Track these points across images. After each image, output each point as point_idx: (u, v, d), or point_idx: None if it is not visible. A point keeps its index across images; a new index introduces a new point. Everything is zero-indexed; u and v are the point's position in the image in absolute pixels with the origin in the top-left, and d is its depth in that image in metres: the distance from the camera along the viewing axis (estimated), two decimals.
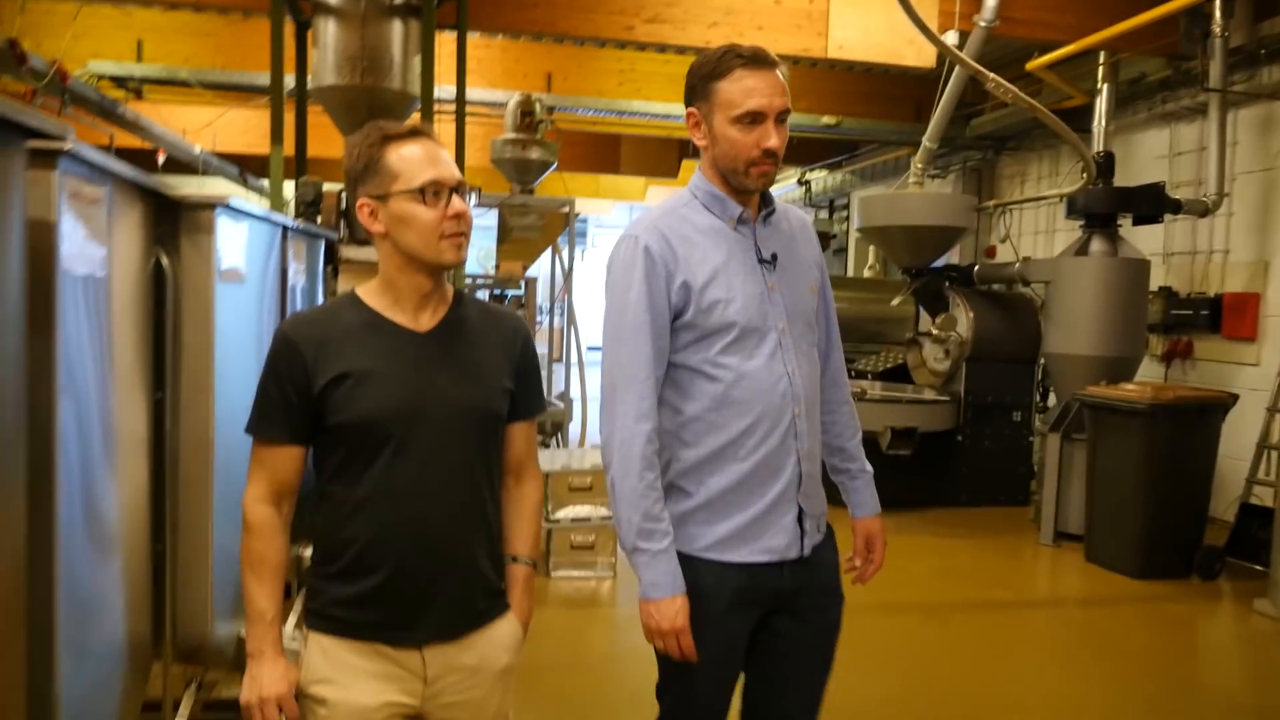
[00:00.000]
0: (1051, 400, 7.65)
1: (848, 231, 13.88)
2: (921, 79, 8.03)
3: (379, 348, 1.74)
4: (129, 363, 2.06)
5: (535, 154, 7.74)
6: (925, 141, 7.48)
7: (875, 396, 7.50)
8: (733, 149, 1.88)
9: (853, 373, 9.04)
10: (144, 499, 2.16)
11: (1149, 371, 7.30)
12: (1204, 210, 6.75)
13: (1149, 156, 7.93)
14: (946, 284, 7.78)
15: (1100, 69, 7.30)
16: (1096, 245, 6.51)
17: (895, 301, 8.26)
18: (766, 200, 2.02)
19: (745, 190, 1.96)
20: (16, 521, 1.55)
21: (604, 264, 2.06)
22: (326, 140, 5.85)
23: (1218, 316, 7.02)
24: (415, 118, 5.19)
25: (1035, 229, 9.41)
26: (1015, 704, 3.88)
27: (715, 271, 1.94)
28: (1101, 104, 7.26)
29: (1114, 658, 4.40)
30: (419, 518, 1.75)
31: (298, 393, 1.70)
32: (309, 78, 5.48)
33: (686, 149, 12.95)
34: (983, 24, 6.44)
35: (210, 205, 2.26)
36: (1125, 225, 6.84)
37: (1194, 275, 7.43)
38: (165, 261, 2.16)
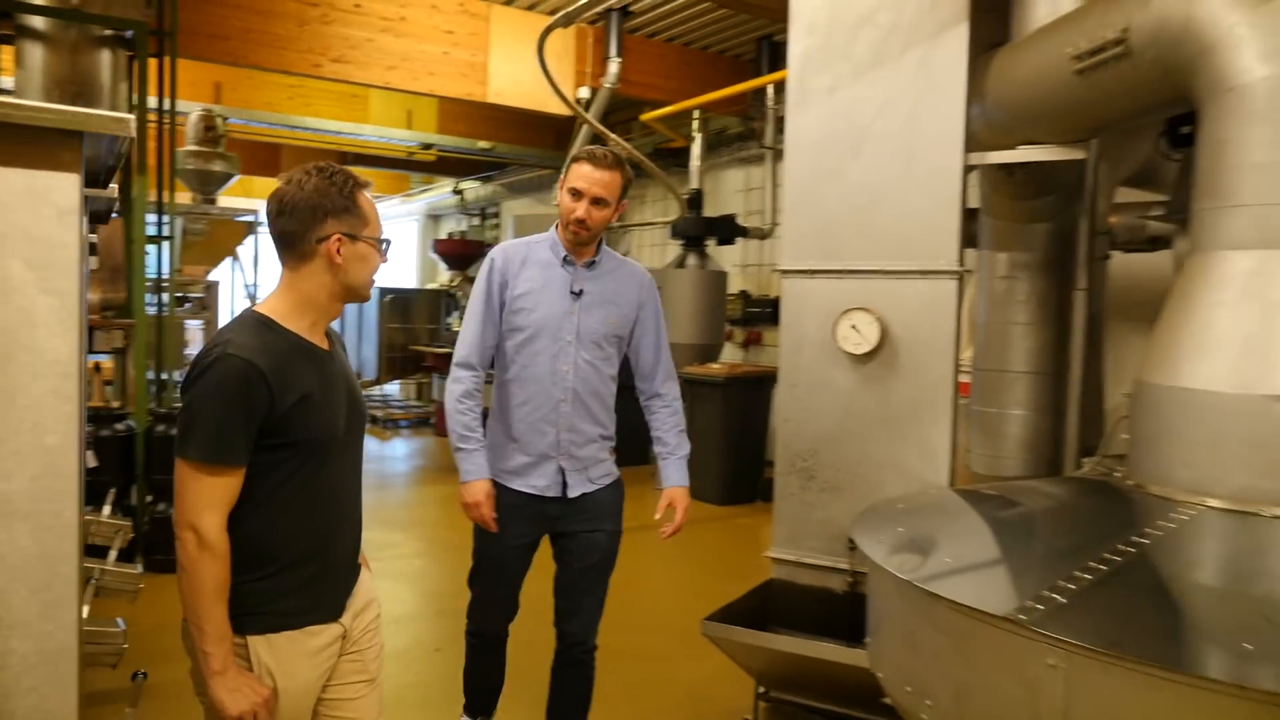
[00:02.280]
0: None
1: (499, 240, 15.39)
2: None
3: (311, 369, 1.91)
4: None
5: (218, 166, 8.29)
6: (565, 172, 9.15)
7: None
8: (562, 208, 2.80)
9: None
10: None
11: (733, 355, 9.57)
12: (764, 234, 9.08)
13: (731, 190, 10.27)
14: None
15: (695, 122, 9.40)
16: (691, 260, 8.59)
17: None
18: (597, 256, 2.87)
19: (577, 238, 2.78)
20: None
21: None
22: None
23: (777, 313, 9.41)
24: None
25: (653, 243, 11.54)
26: (642, 584, 5.57)
27: (531, 289, 2.81)
28: (696, 148, 9.36)
29: (704, 553, 6.29)
30: (347, 513, 2.02)
31: (257, 418, 1.80)
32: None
33: (346, 158, 13.70)
34: (607, 85, 8.20)
35: None
36: (713, 244, 8.99)
37: (762, 282, 9.83)
38: None
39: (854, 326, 3.38)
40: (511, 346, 2.87)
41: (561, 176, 2.85)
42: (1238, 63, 2.29)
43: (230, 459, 1.78)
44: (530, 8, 8.19)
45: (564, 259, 2.85)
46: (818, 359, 3.54)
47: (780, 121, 8.99)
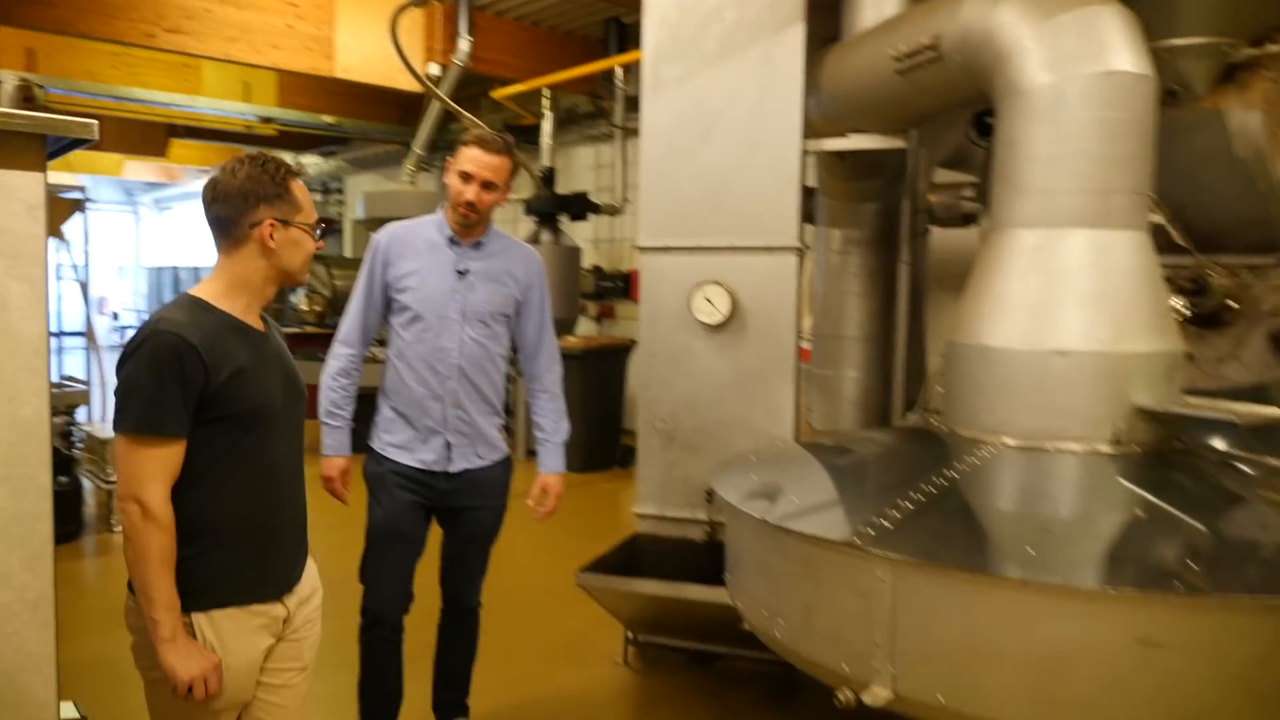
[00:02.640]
0: None
1: (342, 215, 15.04)
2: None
3: (245, 346, 1.96)
4: None
5: None
6: (415, 149, 9.13)
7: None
8: (452, 191, 2.84)
9: None
10: None
11: (588, 328, 9.84)
12: (616, 211, 9.35)
13: (583, 167, 10.49)
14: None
15: (545, 100, 9.54)
16: (545, 236, 8.76)
17: None
18: (484, 236, 2.94)
19: (464, 221, 2.85)
20: None
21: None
22: None
23: (629, 287, 9.75)
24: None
25: (506, 218, 11.63)
26: (512, 549, 5.76)
27: (416, 269, 2.86)
28: (547, 126, 9.51)
29: (568, 518, 6.52)
30: (288, 490, 2.06)
31: (194, 391, 1.85)
32: None
33: (175, 130, 13.05)
34: (458, 62, 8.23)
35: None
36: (566, 220, 9.20)
37: (614, 257, 10.12)
38: None
39: (707, 299, 3.70)
40: (399, 324, 2.92)
41: (449, 159, 2.89)
42: (1026, 70, 2.70)
43: (168, 430, 1.83)
44: None
45: (450, 239, 2.92)
46: (675, 329, 3.84)
47: (629, 101, 9.26)
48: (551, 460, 3.16)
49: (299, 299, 10.45)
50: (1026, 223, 2.69)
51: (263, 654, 2.00)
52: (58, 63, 9.00)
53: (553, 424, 3.17)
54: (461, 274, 2.91)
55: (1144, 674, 1.92)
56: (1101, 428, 2.53)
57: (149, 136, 12.93)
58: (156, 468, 1.81)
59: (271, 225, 1.95)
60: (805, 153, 3.65)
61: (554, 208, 8.87)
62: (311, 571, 2.18)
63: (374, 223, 9.51)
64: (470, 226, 2.91)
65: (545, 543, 5.89)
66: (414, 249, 2.91)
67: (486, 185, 2.84)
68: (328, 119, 10.81)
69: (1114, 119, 2.61)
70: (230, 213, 1.95)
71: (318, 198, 15.50)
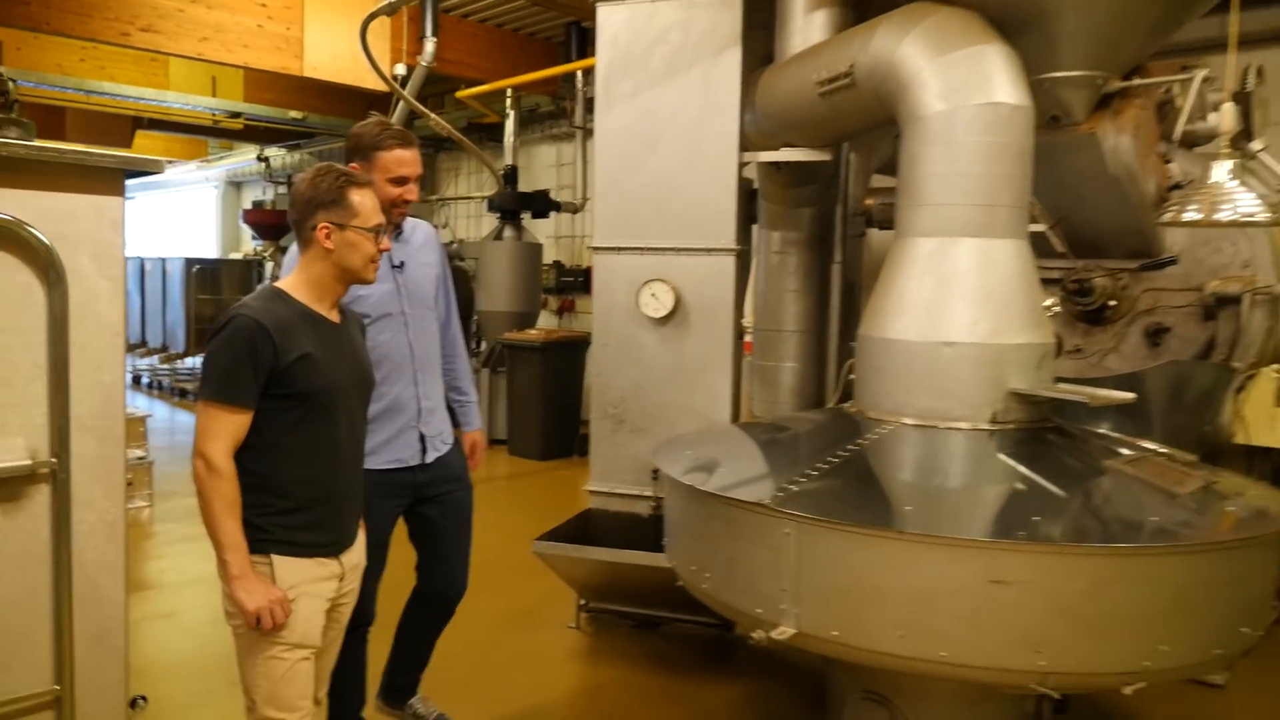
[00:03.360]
0: (484, 345, 10.19)
1: None
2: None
3: (316, 334, 2.21)
4: None
5: (13, 134, 7.96)
6: None
7: None
8: (384, 197, 2.70)
9: None
10: None
11: (549, 321, 10.19)
12: (576, 209, 9.71)
13: (544, 166, 10.82)
14: None
15: (509, 100, 9.86)
16: (508, 232, 9.11)
17: None
18: (399, 227, 2.93)
19: (390, 222, 2.76)
20: None
21: None
22: None
23: (588, 282, 10.10)
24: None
25: (469, 215, 11.92)
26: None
27: None
28: (510, 125, 9.83)
29: (528, 502, 6.92)
30: (347, 461, 2.30)
31: (264, 369, 2.10)
32: None
33: (141, 123, 13.15)
34: (424, 63, 8.52)
35: None
36: (528, 217, 9.53)
37: (574, 253, 10.47)
38: None
39: (653, 295, 4.08)
40: None
41: (362, 165, 2.83)
42: (924, 99, 3.12)
43: (238, 399, 2.08)
44: None
45: None
46: (625, 322, 4.22)
47: (589, 102, 9.61)
48: (474, 419, 3.31)
49: None
50: (923, 232, 3.11)
51: (327, 602, 2.25)
52: (26, 56, 9.15)
53: (469, 385, 3.30)
54: (398, 268, 2.94)
55: (993, 607, 2.35)
56: (982, 409, 2.95)
57: (115, 128, 13.00)
58: (223, 430, 2.06)
59: (327, 229, 2.20)
60: (743, 163, 4.05)
61: (516, 205, 9.21)
62: (361, 541, 2.42)
63: None
64: (399, 222, 2.94)
65: (505, 524, 6.25)
66: None
67: (417, 179, 2.91)
68: (295, 114, 11.03)
69: (996, 143, 3.03)
70: (297, 216, 2.24)
71: (281, 190, 15.68)
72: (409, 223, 3.05)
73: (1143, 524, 2.57)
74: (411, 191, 2.90)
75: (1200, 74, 3.05)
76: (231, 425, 2.09)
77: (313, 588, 2.22)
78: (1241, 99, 3.90)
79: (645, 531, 4.12)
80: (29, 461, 1.60)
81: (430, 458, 3.03)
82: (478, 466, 3.27)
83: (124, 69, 9.86)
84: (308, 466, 2.21)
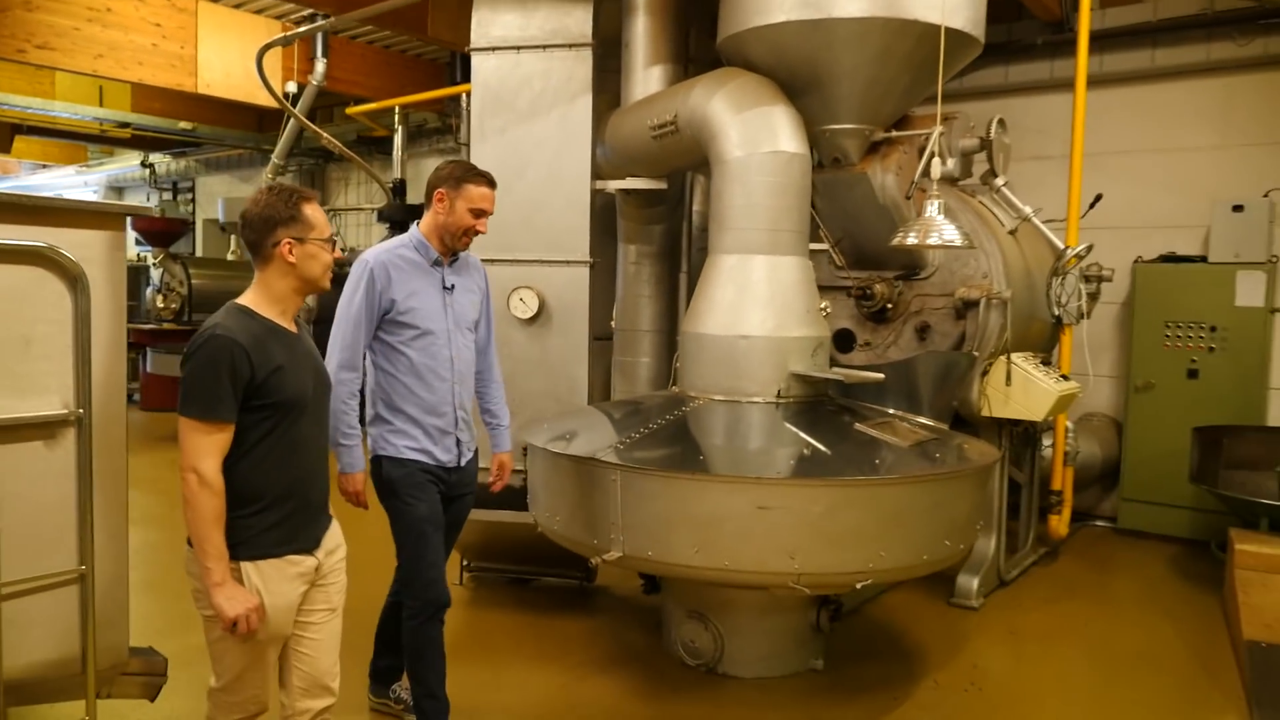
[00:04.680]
0: None
1: (194, 213, 15.33)
2: None
3: (281, 345, 2.33)
4: None
5: None
6: (274, 159, 9.90)
7: None
8: (462, 223, 3.17)
9: None
10: None
11: None
12: None
13: None
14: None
15: (397, 116, 10.43)
16: None
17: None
18: (455, 254, 3.27)
19: (454, 247, 3.21)
20: None
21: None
22: None
23: None
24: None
25: (359, 224, 12.41)
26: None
27: (414, 291, 3.14)
28: (399, 140, 10.40)
29: None
30: (315, 461, 2.41)
31: (241, 384, 2.21)
32: None
33: (21, 128, 13.12)
34: (315, 82, 9.06)
35: None
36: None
37: None
38: None
39: (521, 299, 4.84)
40: (401, 343, 3.18)
41: (449, 191, 3.19)
42: (726, 146, 3.99)
43: (221, 415, 2.19)
44: (237, 6, 8.83)
45: (434, 261, 3.24)
46: (498, 323, 4.95)
47: None
48: (505, 441, 3.56)
49: (155, 297, 10.89)
50: (726, 250, 3.99)
51: (299, 598, 2.37)
52: None
53: (502, 410, 3.57)
54: (448, 289, 3.26)
55: (760, 527, 3.21)
56: (770, 387, 3.84)
57: None
58: (211, 445, 2.18)
59: (289, 244, 2.32)
60: (594, 190, 4.86)
61: (405, 216, 9.81)
62: (335, 529, 2.56)
63: (236, 226, 10.18)
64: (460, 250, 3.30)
65: None
66: (405, 272, 3.18)
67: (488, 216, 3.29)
68: (184, 125, 11.32)
69: (780, 182, 3.93)
70: (255, 236, 2.35)
71: (167, 196, 15.75)
72: (463, 254, 3.35)
73: (868, 464, 3.50)
74: (483, 225, 3.25)
75: (937, 130, 3.99)
76: (217, 440, 2.21)
77: (282, 587, 2.34)
78: (986, 144, 4.94)
79: (517, 499, 4.86)
80: (64, 411, 2.15)
81: (464, 461, 3.33)
82: (501, 487, 3.54)
83: (9, 78, 10.01)
84: (280, 470, 2.33)
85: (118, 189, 17.09)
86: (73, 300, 2.06)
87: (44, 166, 17.13)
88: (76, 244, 2.05)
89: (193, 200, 15.47)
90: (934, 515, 3.45)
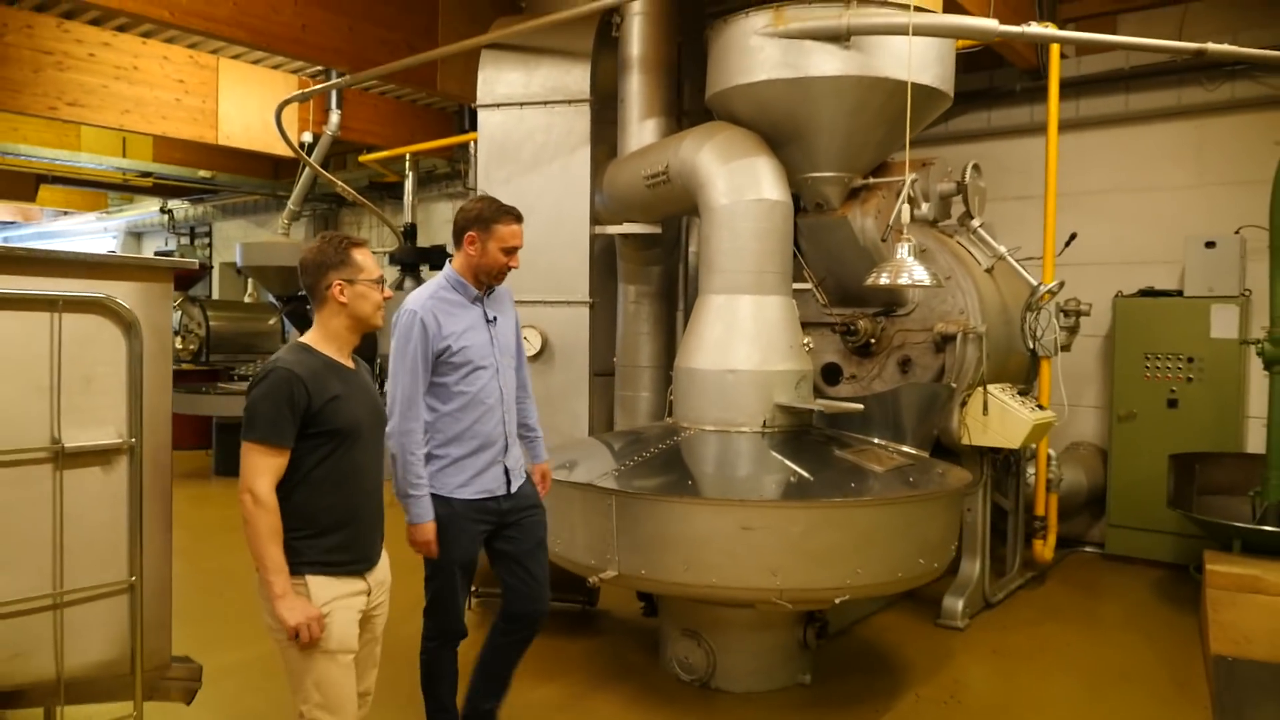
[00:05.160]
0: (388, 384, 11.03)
1: (211, 258, 15.78)
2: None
3: (338, 378, 2.51)
4: None
5: None
6: (290, 205, 10.29)
7: None
8: (496, 263, 3.27)
9: (234, 377, 11.40)
10: None
11: None
12: None
13: (440, 221, 11.81)
14: (309, 307, 10.66)
15: (407, 162, 10.84)
16: (408, 284, 10.05)
17: (271, 321, 10.90)
18: (491, 287, 3.35)
19: (489, 283, 3.30)
20: None
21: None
22: None
23: None
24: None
25: None
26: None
27: (461, 329, 3.22)
28: (409, 185, 10.79)
29: None
30: (369, 488, 2.56)
31: (299, 412, 2.39)
32: None
33: (46, 179, 13.61)
34: (329, 132, 9.47)
35: None
36: (427, 270, 10.49)
37: None
38: None
39: (525, 338, 5.13)
40: (453, 381, 3.25)
41: (480, 234, 3.28)
42: (714, 195, 4.31)
43: (280, 441, 2.38)
44: (256, 62, 9.27)
45: (475, 297, 3.34)
46: None
47: None
48: (542, 451, 3.66)
49: (174, 339, 11.27)
50: (715, 290, 4.29)
51: (358, 615, 2.51)
52: None
53: (537, 423, 3.65)
54: (491, 322, 3.36)
55: (744, 546, 3.48)
56: (757, 417, 4.11)
57: (20, 183, 13.42)
58: (267, 468, 2.37)
59: (339, 285, 2.53)
60: (594, 235, 5.18)
61: (416, 259, 10.18)
62: (385, 561, 2.71)
63: (252, 270, 10.58)
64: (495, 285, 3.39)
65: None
66: (450, 314, 3.27)
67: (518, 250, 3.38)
68: (204, 173, 11.75)
69: (764, 228, 4.24)
70: (311, 280, 2.58)
71: (185, 241, 16.22)
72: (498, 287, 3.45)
73: (846, 488, 3.76)
74: (516, 260, 3.36)
75: (908, 178, 4.29)
76: (274, 464, 2.39)
77: (344, 601, 2.49)
78: (961, 188, 5.25)
79: None
80: (119, 440, 2.43)
81: (513, 487, 3.38)
82: (545, 494, 3.60)
83: (36, 131, 10.44)
84: (336, 494, 2.50)
85: (136, 234, 17.57)
86: (127, 344, 2.35)
87: (65, 213, 17.65)
88: (130, 295, 2.36)
89: (209, 245, 15.92)
90: (907, 535, 3.70)
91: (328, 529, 2.48)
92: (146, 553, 2.41)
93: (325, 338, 2.59)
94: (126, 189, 13.00)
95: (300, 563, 2.43)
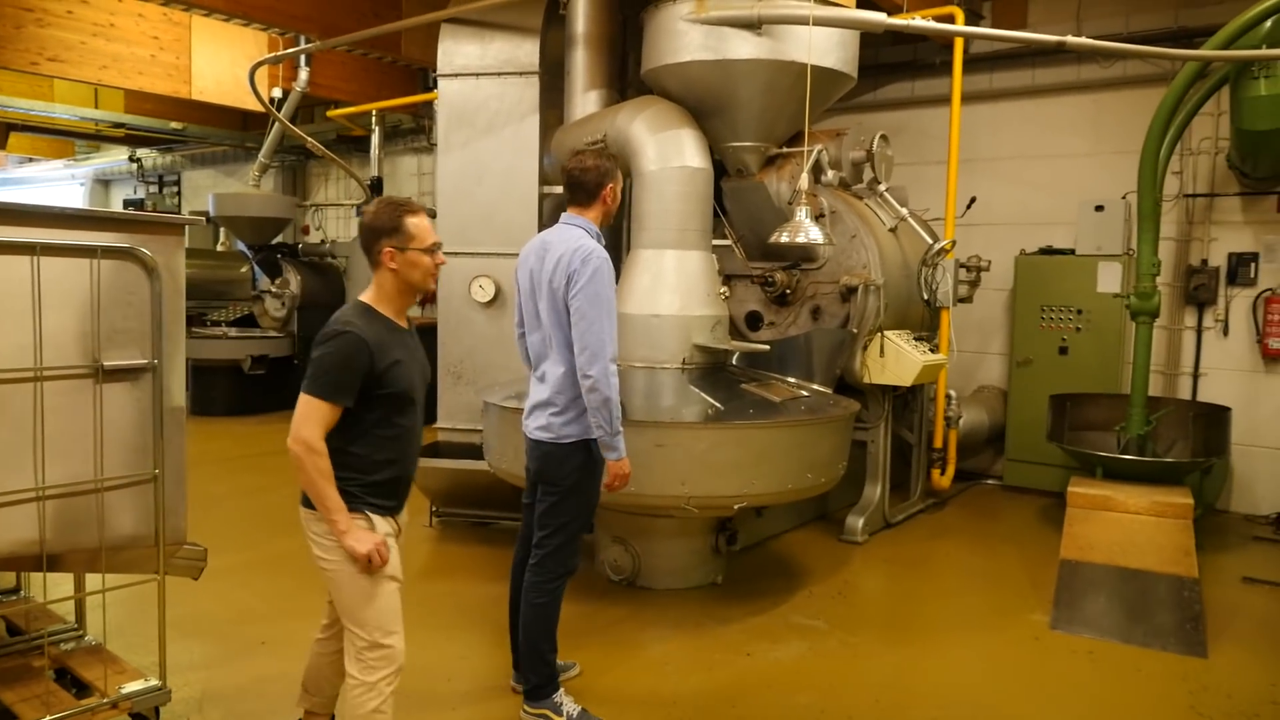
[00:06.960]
0: None
1: (180, 206, 16.09)
2: None
3: (398, 342, 2.67)
4: None
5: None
6: (260, 158, 10.74)
7: (235, 335, 10.62)
8: (615, 208, 4.00)
9: (207, 323, 11.91)
10: None
11: (413, 310, 11.66)
12: (434, 214, 11.20)
13: (407, 174, 12.30)
14: (280, 256, 11.18)
15: (374, 118, 11.29)
16: None
17: (243, 269, 11.39)
18: None
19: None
20: None
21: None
22: None
23: None
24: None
25: (339, 216, 13.26)
26: None
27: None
28: (375, 139, 11.27)
29: None
30: (413, 445, 2.80)
31: (360, 375, 2.55)
32: None
33: (15, 127, 13.85)
34: (298, 88, 9.91)
35: None
36: None
37: None
38: None
39: (480, 286, 5.78)
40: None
41: (611, 184, 3.54)
42: (643, 162, 4.94)
43: (339, 399, 2.56)
44: (228, 19, 9.65)
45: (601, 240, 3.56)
46: (461, 306, 5.90)
47: None
48: None
49: None
50: (644, 245, 4.94)
51: (397, 548, 2.76)
52: None
53: None
54: None
55: (658, 460, 4.17)
56: (677, 356, 4.79)
57: None
58: (320, 418, 2.56)
59: (390, 251, 2.64)
60: (543, 194, 5.79)
61: None
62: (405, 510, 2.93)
63: (224, 220, 11.04)
64: None
65: None
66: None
67: None
68: (175, 125, 12.11)
69: (687, 191, 4.88)
70: (366, 243, 2.71)
71: (154, 190, 16.50)
72: None
73: (745, 414, 4.47)
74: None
75: (816, 148, 4.95)
76: (327, 416, 2.57)
77: (391, 539, 2.77)
78: (870, 156, 5.92)
79: (477, 453, 5.84)
80: (144, 360, 2.97)
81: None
82: None
83: (10, 81, 10.77)
84: (391, 448, 2.71)
85: (104, 182, 17.79)
86: (150, 284, 2.95)
87: (30, 160, 17.81)
88: (152, 245, 2.95)
89: (179, 193, 16.22)
90: (797, 453, 4.43)
91: (381, 479, 2.72)
92: (166, 451, 3.03)
93: (382, 298, 2.74)
94: (98, 138, 13.29)
95: (359, 502, 2.67)
